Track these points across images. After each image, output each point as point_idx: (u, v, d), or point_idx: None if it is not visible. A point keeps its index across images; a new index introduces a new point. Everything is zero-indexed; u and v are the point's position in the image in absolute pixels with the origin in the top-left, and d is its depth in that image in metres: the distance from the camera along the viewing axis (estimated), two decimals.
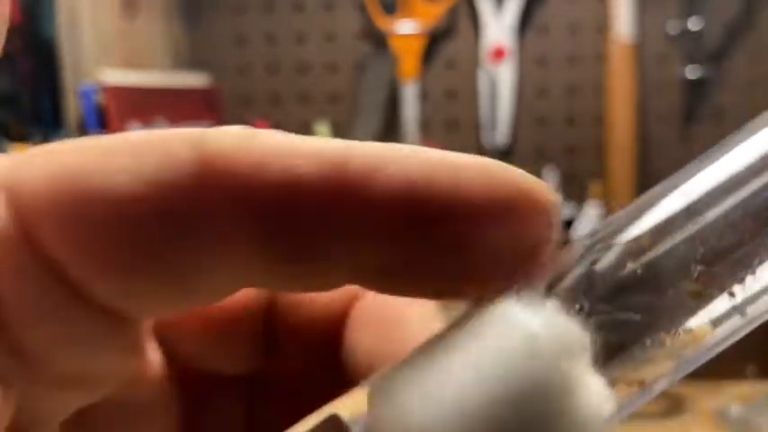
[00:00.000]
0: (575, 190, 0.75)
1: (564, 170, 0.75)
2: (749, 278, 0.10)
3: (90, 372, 0.11)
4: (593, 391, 0.11)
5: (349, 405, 0.11)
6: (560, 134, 0.76)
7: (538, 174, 0.76)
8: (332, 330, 0.13)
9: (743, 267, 0.10)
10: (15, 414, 0.10)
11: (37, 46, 0.65)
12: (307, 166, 0.10)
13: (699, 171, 0.11)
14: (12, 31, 0.57)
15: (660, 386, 0.11)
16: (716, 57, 0.73)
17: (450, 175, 0.10)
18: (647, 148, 0.74)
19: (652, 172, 0.75)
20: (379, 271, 0.10)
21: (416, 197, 0.10)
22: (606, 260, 0.11)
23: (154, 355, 0.12)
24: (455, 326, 0.11)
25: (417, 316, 0.12)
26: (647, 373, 0.11)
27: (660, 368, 0.11)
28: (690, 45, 0.72)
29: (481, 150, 0.76)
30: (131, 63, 0.66)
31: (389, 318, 0.12)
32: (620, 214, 0.11)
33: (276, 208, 0.10)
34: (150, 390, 0.12)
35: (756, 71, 0.73)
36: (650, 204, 0.11)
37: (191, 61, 0.76)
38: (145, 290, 0.10)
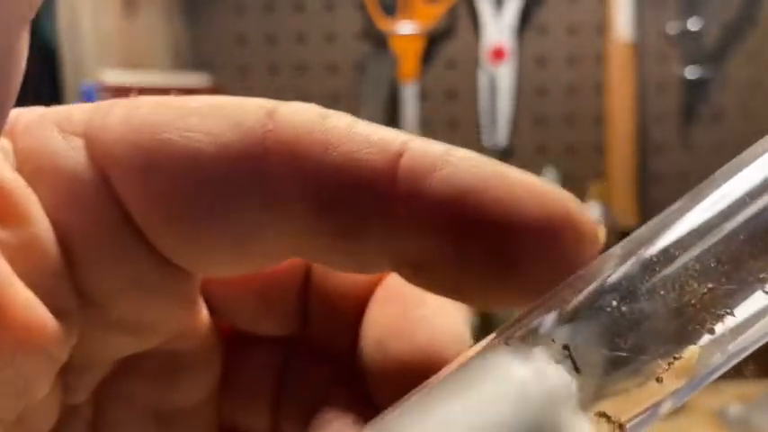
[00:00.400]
0: (574, 190, 0.75)
1: (564, 170, 0.75)
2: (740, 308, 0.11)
3: (145, 320, 0.11)
4: (584, 424, 0.11)
5: None
6: (560, 134, 0.76)
7: (538, 174, 0.77)
8: (359, 305, 0.13)
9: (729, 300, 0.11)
10: (72, 351, 0.10)
11: (38, 46, 0.65)
12: (367, 154, 0.10)
13: (680, 215, 0.11)
14: None
15: (646, 419, 0.12)
16: (715, 57, 0.73)
17: (505, 189, 0.10)
18: (646, 148, 0.74)
19: (652, 172, 0.75)
20: (417, 264, 0.11)
21: (466, 203, 0.10)
22: (592, 299, 0.11)
23: (203, 310, 0.13)
24: (450, 375, 0.11)
25: (434, 299, 0.12)
26: (635, 408, 0.11)
27: (649, 401, 0.11)
28: (689, 45, 0.73)
29: (481, 150, 0.76)
30: (132, 63, 0.66)
31: (408, 297, 0.13)
32: (605, 256, 0.11)
33: (334, 186, 0.10)
34: (197, 343, 0.13)
35: (756, 71, 0.73)
36: (636, 245, 0.11)
37: (191, 61, 0.76)
38: (206, 246, 0.10)
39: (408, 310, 0.13)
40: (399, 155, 0.10)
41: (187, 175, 0.10)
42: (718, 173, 0.11)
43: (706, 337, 0.11)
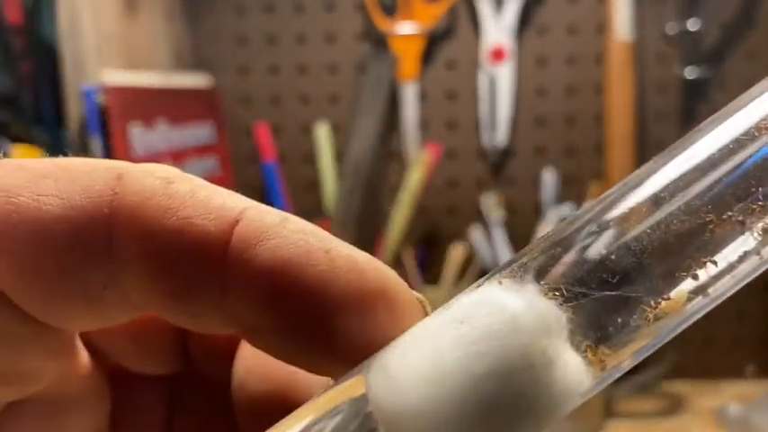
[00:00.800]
0: (574, 190, 0.75)
1: (564, 170, 0.76)
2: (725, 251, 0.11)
3: (22, 370, 0.12)
4: (571, 367, 0.11)
5: (346, 388, 0.12)
6: (560, 134, 0.76)
7: (537, 173, 0.77)
8: (234, 341, 0.14)
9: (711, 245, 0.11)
10: None
11: (38, 47, 0.65)
12: (204, 219, 0.11)
13: (665, 163, 0.12)
14: (13, 32, 0.57)
15: (631, 360, 0.12)
16: (715, 57, 0.73)
17: (326, 263, 0.11)
18: (646, 148, 0.74)
19: None
20: (247, 328, 0.11)
21: (286, 275, 0.11)
22: (583, 244, 0.12)
23: (83, 355, 0.13)
24: (443, 309, 0.12)
25: None
26: (621, 348, 0.12)
27: (637, 343, 0.12)
28: (689, 45, 0.73)
29: (481, 150, 0.76)
30: (132, 63, 0.66)
31: None
32: (595, 202, 0.12)
33: (170, 250, 0.11)
34: (80, 386, 0.13)
35: (755, 71, 0.73)
36: (626, 190, 0.12)
37: (191, 62, 0.76)
38: (60, 304, 0.11)
39: None
40: (235, 222, 0.11)
41: (38, 238, 0.11)
42: (702, 124, 0.12)
43: (690, 282, 0.12)
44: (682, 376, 0.78)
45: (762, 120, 0.12)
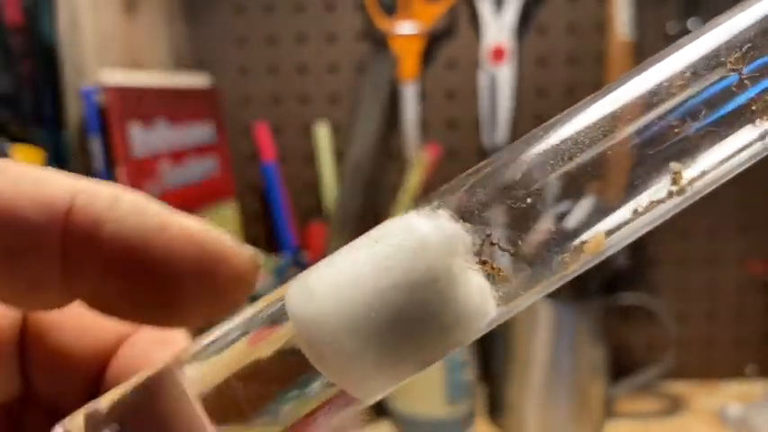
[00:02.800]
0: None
1: None
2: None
3: None
4: (475, 286, 0.13)
5: (270, 298, 0.13)
6: None
7: None
8: (86, 363, 0.15)
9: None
10: None
11: (37, 47, 0.65)
12: (34, 215, 0.12)
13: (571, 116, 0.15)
14: (13, 32, 0.57)
15: (537, 286, 0.13)
16: None
17: (164, 241, 0.12)
18: None
19: None
20: (95, 298, 0.12)
21: (132, 256, 0.12)
22: (493, 178, 0.14)
23: None
24: (365, 235, 0.13)
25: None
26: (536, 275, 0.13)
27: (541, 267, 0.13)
28: None
29: (481, 150, 0.76)
30: (132, 63, 0.66)
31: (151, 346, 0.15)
32: (505, 150, 0.14)
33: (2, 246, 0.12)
34: None
35: None
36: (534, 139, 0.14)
37: (191, 62, 0.76)
38: None
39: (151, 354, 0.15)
40: (67, 211, 0.12)
41: None
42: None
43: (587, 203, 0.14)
44: (682, 376, 0.78)
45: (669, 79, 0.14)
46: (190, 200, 0.68)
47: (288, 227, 0.76)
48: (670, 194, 0.13)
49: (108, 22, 0.62)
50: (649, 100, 0.14)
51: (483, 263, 0.13)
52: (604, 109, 0.15)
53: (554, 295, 0.69)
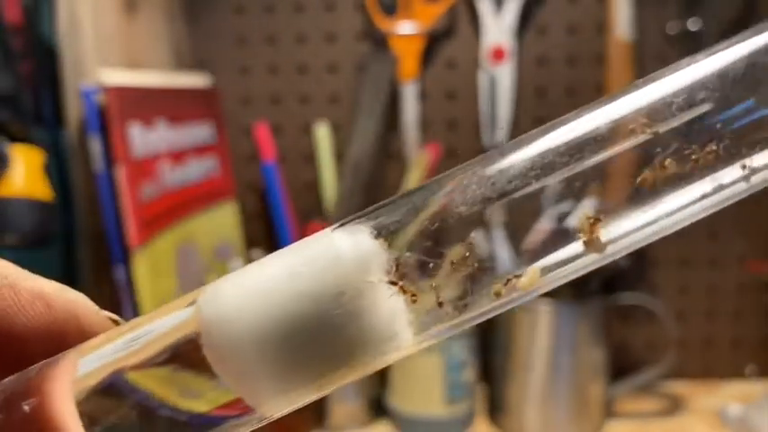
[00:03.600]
0: None
1: None
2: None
3: None
4: (385, 307, 0.13)
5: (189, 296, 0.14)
6: None
7: None
8: None
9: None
10: None
11: (37, 46, 0.65)
12: None
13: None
14: (13, 32, 0.57)
15: (453, 311, 0.13)
16: None
17: (10, 301, 0.12)
18: None
19: None
20: None
21: None
22: (414, 204, 0.14)
23: None
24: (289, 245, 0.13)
25: None
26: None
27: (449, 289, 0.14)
28: (689, 46, 0.73)
29: (481, 150, 0.76)
30: (132, 63, 0.66)
31: None
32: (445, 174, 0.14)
33: None
34: None
35: None
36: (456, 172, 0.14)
37: (191, 62, 0.76)
38: None
39: None
40: None
41: None
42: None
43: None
44: (682, 376, 0.78)
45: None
46: (190, 200, 0.68)
47: (288, 227, 0.76)
48: (585, 245, 0.13)
49: (108, 22, 0.62)
50: (557, 157, 0.14)
51: (396, 285, 0.13)
52: (529, 151, 0.15)
53: (554, 295, 0.69)
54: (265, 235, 0.79)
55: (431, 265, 0.13)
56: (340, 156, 0.76)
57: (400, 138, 0.76)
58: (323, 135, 0.76)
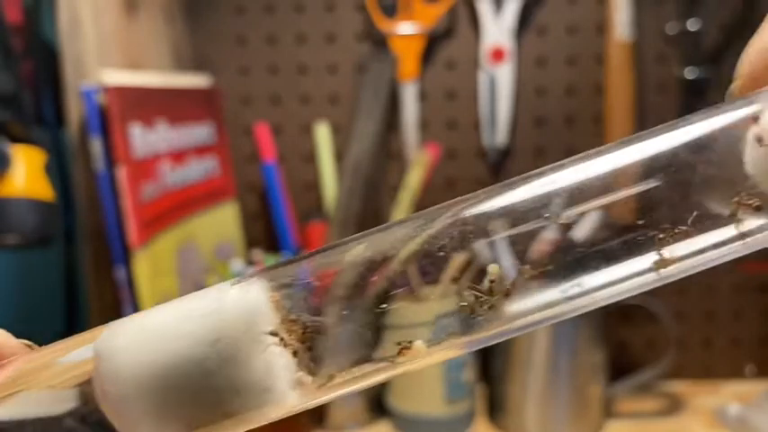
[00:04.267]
0: None
1: None
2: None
3: None
4: (263, 360, 0.13)
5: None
6: (560, 134, 0.76)
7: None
8: None
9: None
10: None
11: (38, 47, 0.66)
12: None
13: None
14: (13, 32, 0.57)
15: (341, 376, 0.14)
16: (714, 58, 0.73)
17: None
18: None
19: None
20: None
21: None
22: (310, 267, 0.14)
23: None
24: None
25: None
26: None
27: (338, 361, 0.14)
28: (689, 45, 0.73)
29: (481, 150, 0.76)
30: (132, 63, 0.66)
31: None
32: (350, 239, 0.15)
33: None
34: None
35: None
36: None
37: (191, 62, 0.76)
38: None
39: None
40: None
41: None
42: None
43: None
44: (682, 376, 0.78)
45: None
46: (190, 200, 0.68)
47: (288, 227, 0.76)
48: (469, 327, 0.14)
49: (108, 23, 0.62)
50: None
51: (280, 339, 0.13)
52: (441, 218, 0.16)
53: None
54: (265, 235, 0.79)
55: (322, 325, 0.14)
56: (340, 156, 0.76)
57: (400, 138, 0.76)
58: (323, 135, 0.77)
